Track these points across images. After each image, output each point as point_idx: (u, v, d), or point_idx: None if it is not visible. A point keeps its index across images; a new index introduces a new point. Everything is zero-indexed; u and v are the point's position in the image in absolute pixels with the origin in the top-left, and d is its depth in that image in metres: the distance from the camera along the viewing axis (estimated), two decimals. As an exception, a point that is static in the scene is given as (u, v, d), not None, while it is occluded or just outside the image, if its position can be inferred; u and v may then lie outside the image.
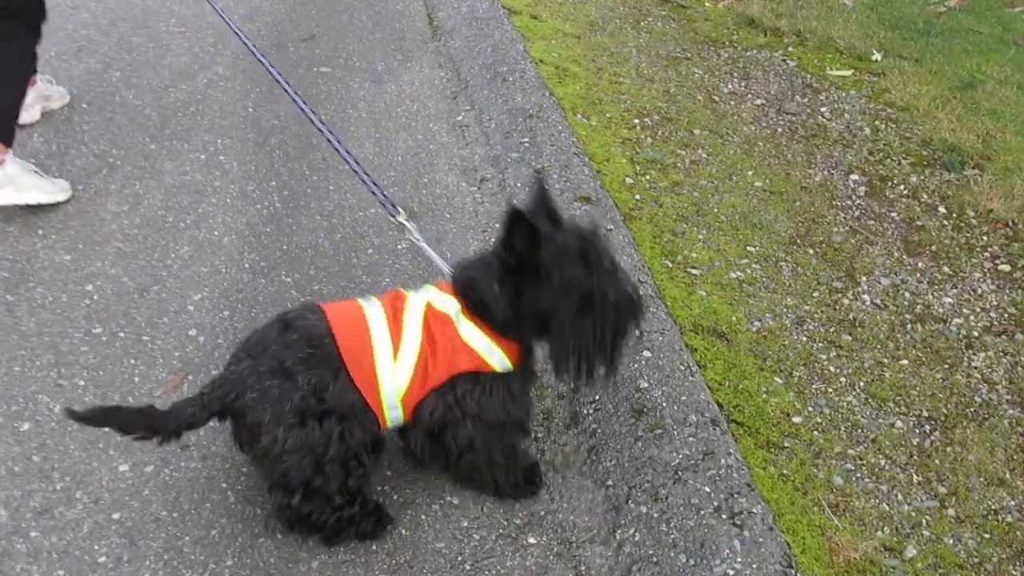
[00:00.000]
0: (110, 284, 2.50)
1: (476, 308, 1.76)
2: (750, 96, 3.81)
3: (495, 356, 1.76)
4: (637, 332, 2.05)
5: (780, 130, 3.55)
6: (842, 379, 2.17)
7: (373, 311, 1.78)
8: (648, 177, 3.16)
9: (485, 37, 4.09)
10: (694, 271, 2.66)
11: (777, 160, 3.31)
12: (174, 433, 1.73)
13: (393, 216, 2.09)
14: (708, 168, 3.24)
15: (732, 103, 3.75)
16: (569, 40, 4.21)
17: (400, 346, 1.74)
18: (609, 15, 4.54)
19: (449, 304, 1.77)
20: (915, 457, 1.96)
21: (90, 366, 2.24)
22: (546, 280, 1.67)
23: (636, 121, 3.53)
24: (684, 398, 2.01)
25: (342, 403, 1.72)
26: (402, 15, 4.50)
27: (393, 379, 1.73)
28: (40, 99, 3.23)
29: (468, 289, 1.77)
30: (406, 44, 4.18)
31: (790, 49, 4.28)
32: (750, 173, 3.21)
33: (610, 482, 1.91)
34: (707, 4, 4.79)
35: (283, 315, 1.80)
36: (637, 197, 3.03)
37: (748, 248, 2.77)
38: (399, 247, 2.77)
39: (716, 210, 2.99)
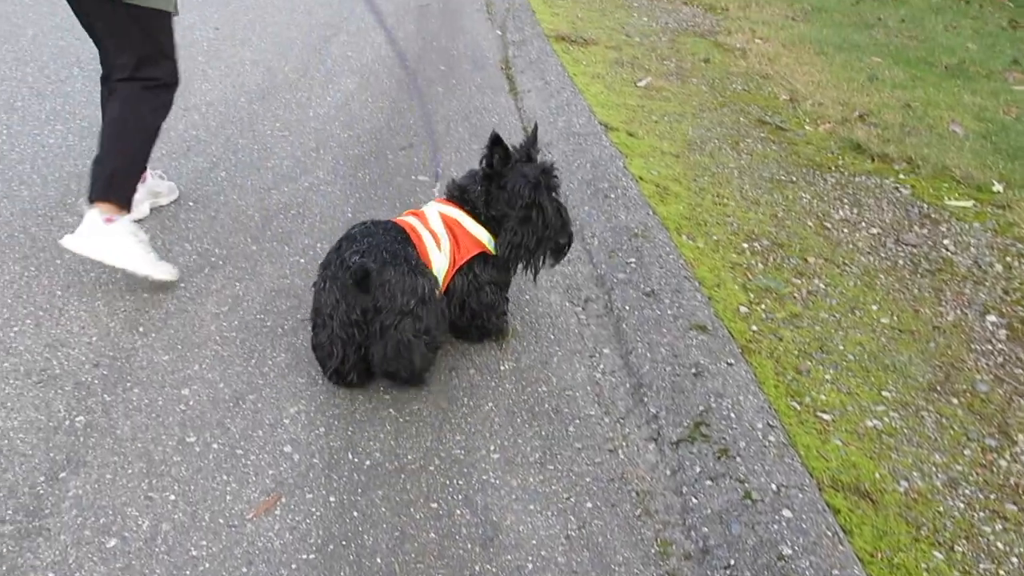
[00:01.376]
0: (206, 389, 2.37)
1: (469, 207, 2.50)
2: (864, 224, 3.62)
3: (490, 242, 2.50)
4: (555, 257, 2.58)
5: (901, 262, 3.34)
6: (1013, 559, 1.89)
7: (416, 223, 2.41)
8: (763, 307, 2.96)
9: (583, 153, 4.01)
10: (825, 416, 2.43)
11: (902, 295, 3.09)
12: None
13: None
14: (827, 300, 3.04)
15: (845, 231, 3.56)
16: (668, 159, 4.10)
17: (439, 242, 2.41)
18: (707, 135, 4.44)
19: (455, 211, 2.49)
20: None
21: (181, 479, 2.08)
22: (503, 189, 2.43)
23: (745, 245, 3.36)
24: (836, 573, 1.76)
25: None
26: (499, 128, 4.45)
27: (440, 265, 2.40)
28: (150, 195, 3.20)
29: (460, 194, 2.53)
30: (506, 155, 4.11)
31: (902, 176, 4.10)
32: (874, 308, 3.00)
33: (753, 665, 1.66)
34: (807, 127, 4.67)
35: (385, 222, 2.40)
36: (754, 328, 2.83)
37: (883, 393, 2.53)
38: (502, 368, 2.60)
39: (842, 347, 2.77)
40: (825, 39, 6.27)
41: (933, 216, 3.73)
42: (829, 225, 3.60)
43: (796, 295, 3.06)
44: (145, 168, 2.80)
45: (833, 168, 4.16)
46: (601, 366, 2.65)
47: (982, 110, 5.06)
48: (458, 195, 2.55)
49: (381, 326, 2.23)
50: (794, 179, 4.00)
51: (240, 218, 3.29)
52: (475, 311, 2.56)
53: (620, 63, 5.44)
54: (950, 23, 6.97)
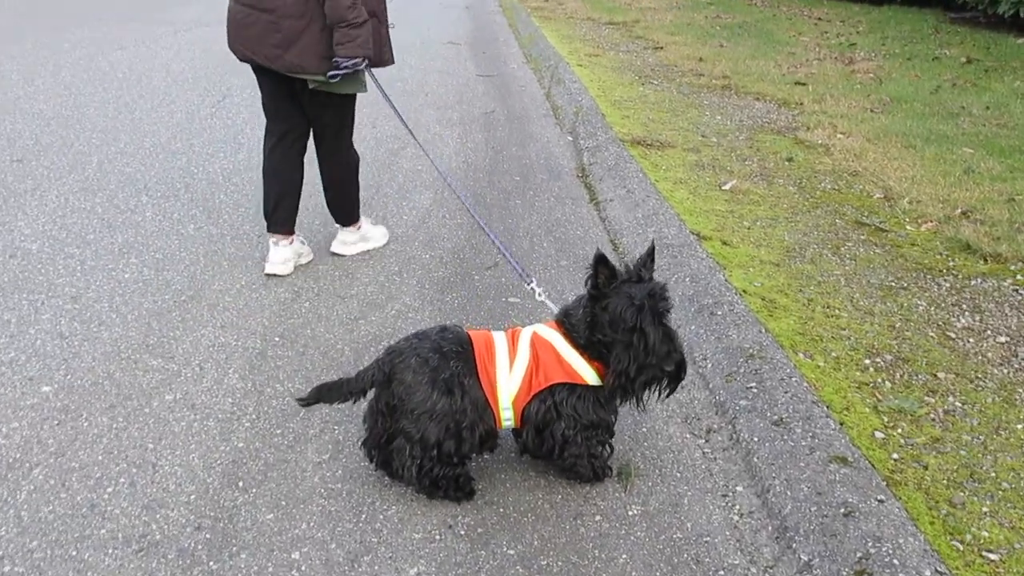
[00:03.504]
0: (318, 552, 2.31)
1: (569, 332, 2.48)
2: (989, 333, 3.52)
3: (588, 373, 2.45)
4: (669, 388, 2.47)
5: (1038, 374, 3.22)
6: None
7: (499, 337, 2.50)
8: (900, 431, 2.85)
9: (680, 266, 3.98)
10: (991, 556, 2.30)
11: (1048, 412, 2.96)
12: (361, 392, 2.48)
13: (527, 284, 2.84)
14: (967, 420, 2.92)
15: (971, 340, 3.45)
16: (768, 268, 4.05)
17: (514, 362, 2.45)
18: (804, 240, 4.40)
19: (551, 334, 2.49)
20: None
21: (301, 658, 2.01)
22: (607, 311, 2.36)
23: (867, 362, 3.27)
24: None
25: (471, 393, 2.41)
26: (583, 241, 4.47)
27: (508, 386, 2.43)
28: (295, 255, 4.00)
29: (564, 317, 2.52)
30: (595, 272, 4.10)
31: (1020, 277, 4.00)
32: (1019, 428, 2.87)
33: None
34: (909, 227, 4.61)
35: (442, 324, 2.54)
36: (895, 456, 2.72)
37: (1052, 528, 2.39)
38: (630, 513, 2.51)
39: (994, 474, 2.64)
40: (910, 131, 6.27)
41: (1063, 320, 3.62)
42: (952, 335, 3.50)
43: (933, 416, 2.95)
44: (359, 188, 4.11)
45: (945, 271, 4.08)
46: (737, 507, 2.55)
47: (1091, 201, 4.96)
48: (563, 318, 2.53)
49: (394, 424, 2.43)
50: (905, 285, 3.92)
51: (330, 352, 3.29)
52: (558, 444, 2.50)
53: (701, 166, 5.47)
54: (1037, 107, 6.94)
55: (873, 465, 2.63)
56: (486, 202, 4.94)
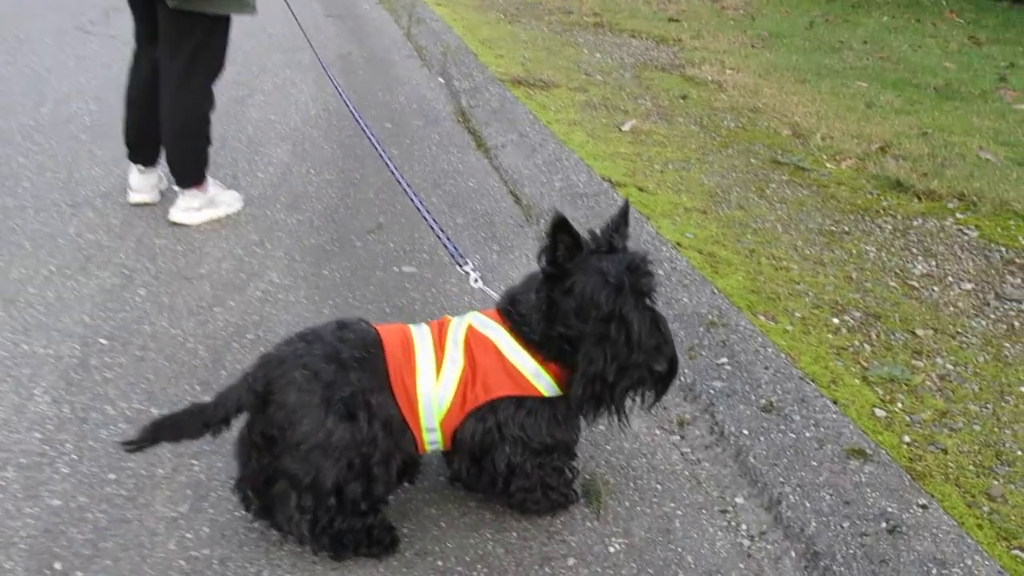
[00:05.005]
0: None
1: (517, 325, 1.80)
2: (951, 280, 3.07)
3: (542, 381, 1.79)
4: (655, 392, 1.79)
5: (1018, 324, 2.80)
6: None
7: (420, 333, 1.82)
8: (900, 406, 2.34)
9: (599, 218, 3.33)
10: (1065, 566, 1.80)
11: (1048, 368, 2.52)
12: (223, 421, 1.70)
13: (461, 267, 2.12)
14: (967, 387, 2.44)
15: (936, 289, 3.00)
16: (695, 216, 3.48)
17: (442, 367, 1.77)
18: (724, 182, 3.86)
19: (492, 328, 1.81)
20: None
21: None
22: (570, 294, 1.70)
23: (836, 321, 2.76)
24: None
25: (383, 414, 1.72)
26: (480, 194, 3.75)
27: (433, 400, 1.76)
28: (161, 181, 3.50)
29: (509, 305, 1.83)
30: (498, 230, 3.40)
31: (959, 216, 3.60)
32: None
33: None
34: (828, 165, 4.16)
35: (340, 319, 1.84)
36: (907, 440, 2.20)
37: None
38: (611, 549, 1.86)
39: (1020, 452, 2.18)
40: (799, 66, 5.88)
41: (1018, 261, 3.23)
42: (915, 284, 3.04)
43: (929, 384, 2.46)
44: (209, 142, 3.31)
45: (881, 212, 3.63)
46: (743, 526, 1.94)
47: (998, 133, 4.69)
48: (507, 307, 1.84)
49: (274, 462, 1.72)
50: (846, 229, 3.44)
51: (178, 354, 2.46)
52: (501, 476, 1.84)
53: (592, 106, 4.84)
54: (913, 43, 6.71)
55: (890, 455, 2.09)
56: (356, 154, 4.12)
